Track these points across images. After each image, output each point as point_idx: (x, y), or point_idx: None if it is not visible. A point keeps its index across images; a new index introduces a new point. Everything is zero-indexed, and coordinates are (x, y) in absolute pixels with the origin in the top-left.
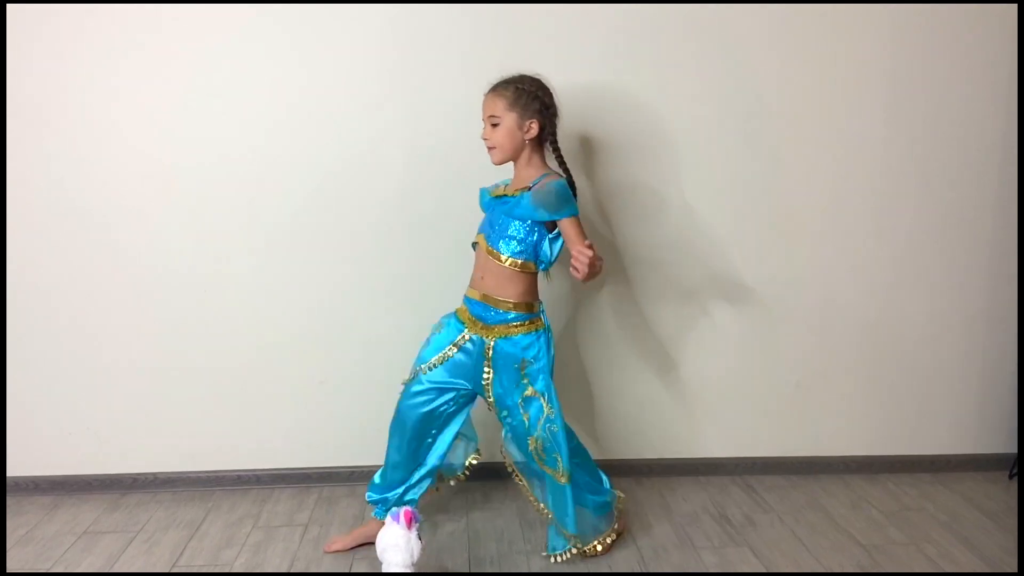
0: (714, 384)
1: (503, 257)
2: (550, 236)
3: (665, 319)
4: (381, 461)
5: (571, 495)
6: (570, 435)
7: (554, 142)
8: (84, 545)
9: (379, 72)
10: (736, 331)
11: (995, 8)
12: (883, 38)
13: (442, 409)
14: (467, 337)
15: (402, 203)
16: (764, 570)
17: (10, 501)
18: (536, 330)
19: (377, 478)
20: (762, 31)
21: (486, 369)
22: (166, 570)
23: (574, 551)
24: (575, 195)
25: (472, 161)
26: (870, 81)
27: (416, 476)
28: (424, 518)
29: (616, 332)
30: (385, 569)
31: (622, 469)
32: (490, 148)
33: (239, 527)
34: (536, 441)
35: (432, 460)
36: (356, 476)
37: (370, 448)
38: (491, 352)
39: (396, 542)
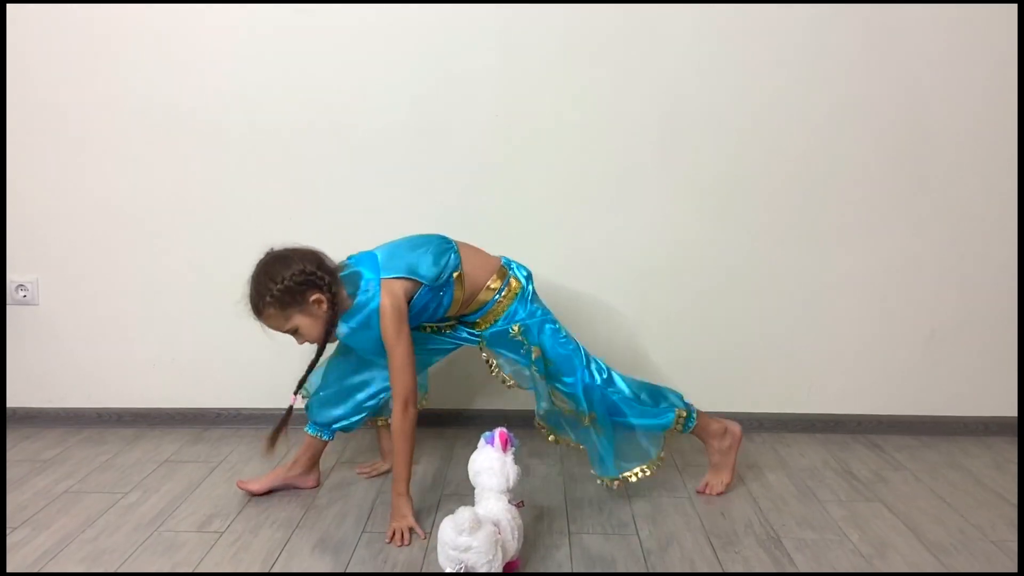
0: (832, 332)
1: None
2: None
3: (778, 260)
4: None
5: (607, 436)
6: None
7: (333, 283)
8: (165, 472)
9: None
10: (860, 272)
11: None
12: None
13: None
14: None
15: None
16: (901, 525)
17: (91, 432)
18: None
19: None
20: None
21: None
22: (248, 499)
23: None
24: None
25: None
26: None
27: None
28: (520, 443)
29: (724, 274)
30: (478, 494)
31: None
32: (313, 342)
33: (323, 462)
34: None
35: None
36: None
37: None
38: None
39: (491, 465)
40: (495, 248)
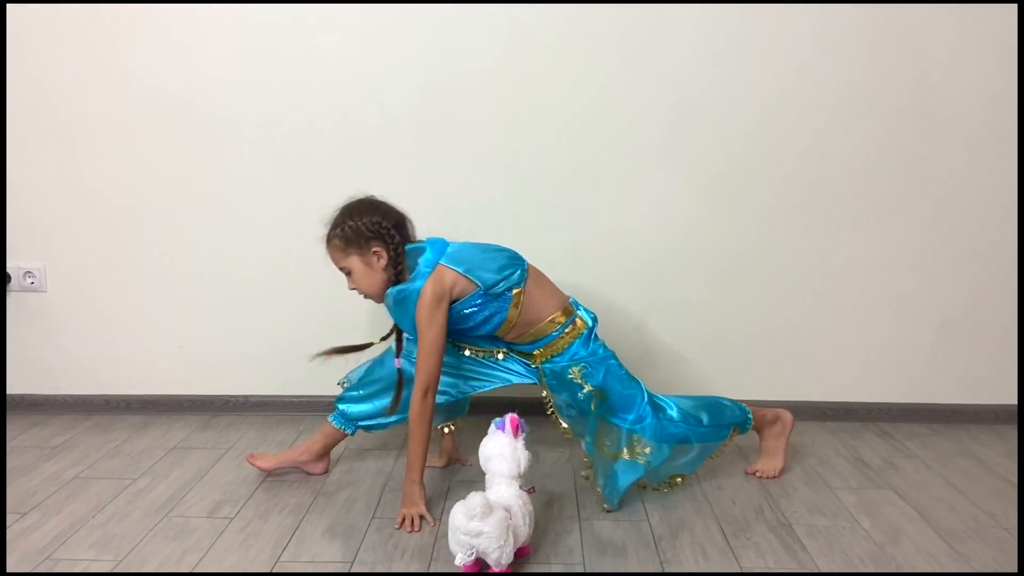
0: (843, 320)
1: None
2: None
3: (787, 249)
4: None
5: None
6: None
7: (399, 246)
8: (173, 459)
9: None
10: (871, 260)
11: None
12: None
13: None
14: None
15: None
16: (913, 512)
17: (100, 419)
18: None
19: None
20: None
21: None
22: (257, 485)
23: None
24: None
25: None
26: None
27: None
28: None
29: (733, 263)
30: (489, 480)
31: None
32: (364, 296)
33: (334, 449)
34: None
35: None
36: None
37: None
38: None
39: (502, 451)
40: (500, 238)
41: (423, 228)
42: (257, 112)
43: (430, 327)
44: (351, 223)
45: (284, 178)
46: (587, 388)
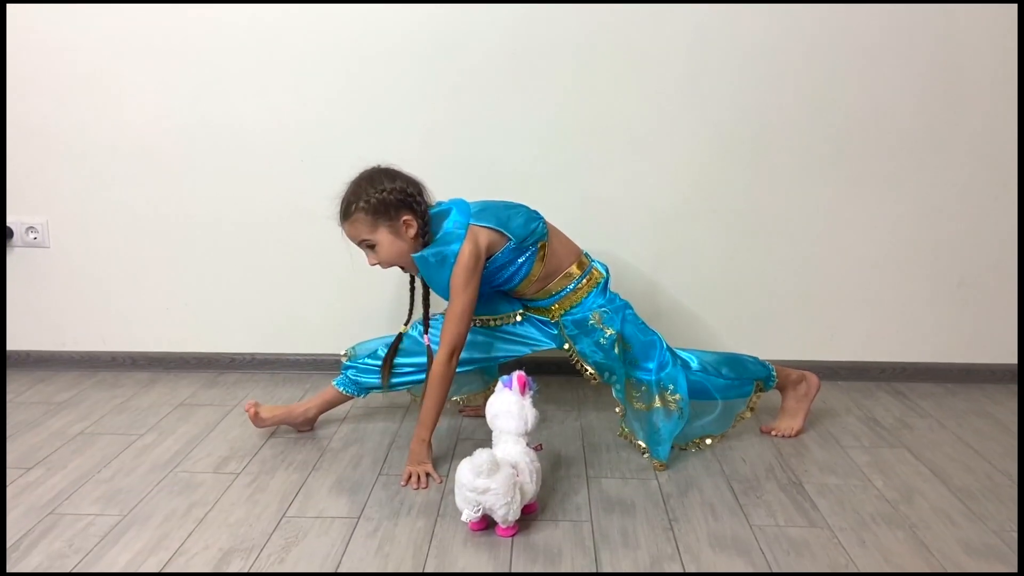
0: (857, 278)
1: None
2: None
3: (803, 205)
4: None
5: (675, 422)
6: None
7: (425, 213)
8: (180, 415)
9: None
10: (887, 217)
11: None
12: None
13: None
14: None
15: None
16: (927, 471)
17: (106, 375)
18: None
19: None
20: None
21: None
22: (263, 441)
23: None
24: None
25: None
26: None
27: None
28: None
29: (747, 219)
30: (495, 437)
31: None
32: (385, 267)
33: (340, 408)
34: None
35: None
36: None
37: None
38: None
39: (508, 408)
40: (510, 195)
41: (430, 188)
42: (262, 62)
43: (465, 290)
44: (375, 194)
45: (295, 132)
46: (609, 332)
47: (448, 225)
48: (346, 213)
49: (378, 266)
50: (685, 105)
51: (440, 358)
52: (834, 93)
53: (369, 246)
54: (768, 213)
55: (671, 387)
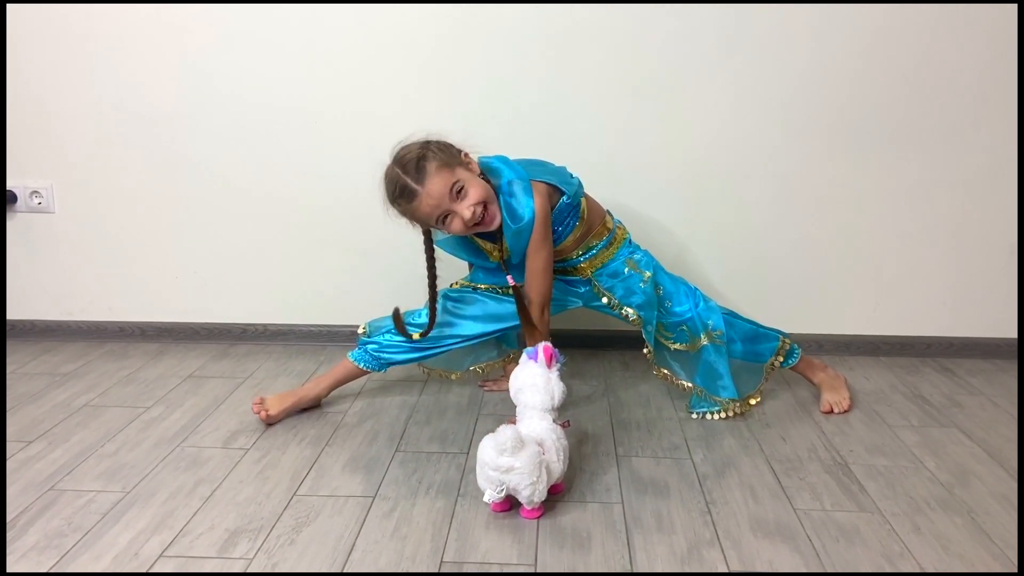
0: (902, 248)
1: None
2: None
3: (847, 170)
4: None
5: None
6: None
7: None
8: (189, 387)
9: None
10: (935, 183)
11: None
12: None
13: None
14: None
15: None
16: (981, 452)
17: (115, 346)
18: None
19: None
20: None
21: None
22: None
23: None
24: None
25: None
26: None
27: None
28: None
29: (786, 185)
30: (519, 412)
31: None
32: (487, 215)
33: (355, 381)
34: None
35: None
36: None
37: None
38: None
39: (534, 382)
40: (536, 154)
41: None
42: (274, 29)
43: (544, 244)
44: (433, 144)
45: (306, 95)
46: (647, 275)
47: (505, 182)
48: (421, 173)
49: (472, 219)
50: (723, 67)
51: (534, 315)
52: (879, 56)
53: (458, 191)
54: (805, 179)
55: (710, 322)
